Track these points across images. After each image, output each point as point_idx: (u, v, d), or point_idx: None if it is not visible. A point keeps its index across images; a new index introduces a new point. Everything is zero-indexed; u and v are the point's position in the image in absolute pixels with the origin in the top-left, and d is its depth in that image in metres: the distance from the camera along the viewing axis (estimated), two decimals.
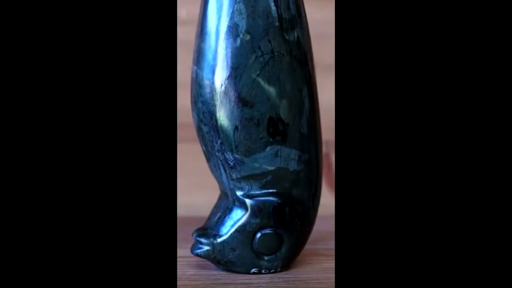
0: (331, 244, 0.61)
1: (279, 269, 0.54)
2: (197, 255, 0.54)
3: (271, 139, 0.53)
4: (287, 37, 0.53)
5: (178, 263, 0.56)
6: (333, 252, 0.59)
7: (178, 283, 0.52)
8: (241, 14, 0.53)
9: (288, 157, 0.54)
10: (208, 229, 0.55)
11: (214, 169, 0.55)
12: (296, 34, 0.53)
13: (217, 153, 0.54)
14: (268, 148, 0.53)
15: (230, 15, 0.53)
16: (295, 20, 0.54)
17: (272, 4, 0.53)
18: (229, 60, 0.53)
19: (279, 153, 0.53)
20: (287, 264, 0.55)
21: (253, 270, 0.54)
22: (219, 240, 0.54)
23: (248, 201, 0.54)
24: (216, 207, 0.56)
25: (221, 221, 0.55)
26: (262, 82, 0.53)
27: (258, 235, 0.54)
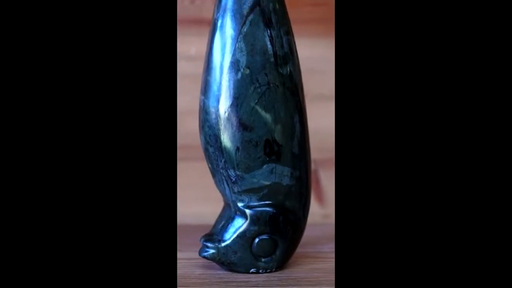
0: (319, 248, 0.62)
1: (274, 269, 0.55)
2: (204, 257, 0.55)
3: (267, 158, 0.54)
4: (281, 71, 0.54)
5: (188, 264, 0.58)
6: (320, 255, 0.60)
7: (188, 281, 0.54)
8: (241, 51, 0.54)
9: (282, 174, 0.55)
10: (213, 235, 0.56)
11: (218, 183, 0.56)
12: (288, 69, 0.54)
13: (221, 170, 0.55)
14: (264, 166, 0.54)
15: (232, 52, 0.54)
16: (287, 56, 0.55)
17: (268, 43, 0.54)
18: (232, 91, 0.54)
19: (274, 170, 0.54)
20: (281, 265, 0.56)
21: (252, 270, 0.55)
22: (223, 244, 0.55)
23: (247, 211, 0.55)
24: (220, 216, 0.57)
25: (224, 228, 0.56)
26: (259, 110, 0.54)
27: (256, 240, 0.55)
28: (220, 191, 0.56)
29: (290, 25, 0.55)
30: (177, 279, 0.53)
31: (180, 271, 0.56)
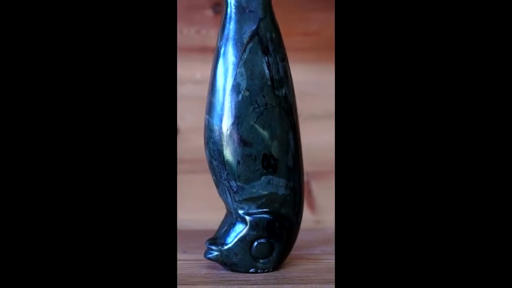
0: (311, 250, 0.62)
1: (271, 270, 0.56)
2: (209, 258, 0.55)
3: (265, 171, 0.54)
4: (277, 93, 0.54)
5: (194, 264, 0.57)
6: (312, 257, 0.60)
7: (194, 280, 0.54)
8: (242, 76, 0.54)
9: (278, 185, 0.55)
10: (217, 239, 0.56)
11: (221, 193, 0.56)
12: (284, 91, 0.55)
13: (224, 181, 0.55)
14: (262, 178, 0.54)
15: (234, 77, 0.54)
16: (283, 80, 0.55)
17: (266, 68, 0.54)
18: (233, 110, 0.54)
19: (271, 181, 0.54)
20: (277, 265, 0.56)
21: (251, 270, 0.55)
22: (225, 247, 0.55)
23: (247, 218, 0.55)
24: (223, 222, 0.57)
25: (227, 233, 0.56)
26: (258, 128, 0.54)
27: (255, 243, 0.55)
28: (223, 200, 0.56)
29: (285, 52, 0.55)
30: (185, 278, 0.54)
31: (187, 271, 0.56)
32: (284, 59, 0.55)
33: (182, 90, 0.70)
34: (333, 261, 0.57)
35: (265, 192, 0.55)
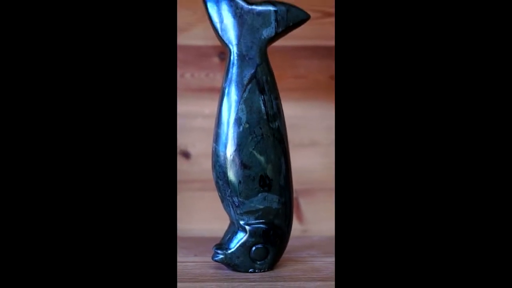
0: (299, 254, 0.61)
1: (266, 270, 0.55)
2: (216, 260, 0.55)
3: (262, 189, 0.54)
4: (272, 126, 0.54)
5: (203, 265, 0.57)
6: (300, 259, 0.59)
7: (203, 278, 0.53)
8: (243, 111, 0.54)
9: (272, 200, 0.54)
10: (222, 244, 0.56)
11: (226, 207, 0.56)
12: (277, 124, 0.55)
13: (228, 198, 0.55)
14: (259, 194, 0.54)
15: (236, 112, 0.54)
16: (276, 115, 0.55)
17: (262, 105, 0.54)
18: (235, 139, 0.54)
19: (266, 197, 0.54)
20: (271, 266, 0.56)
21: (250, 270, 0.55)
22: (229, 251, 0.55)
23: (247, 227, 0.55)
24: (227, 231, 0.57)
25: (230, 239, 0.56)
26: (256, 153, 0.54)
27: (253, 248, 0.55)
28: (227, 213, 0.56)
29: (278, 92, 0.55)
30: (195, 277, 0.53)
31: (198, 271, 0.56)
32: (277, 98, 0.55)
33: (193, 123, 0.71)
34: (317, 262, 0.58)
35: (262, 206, 0.55)
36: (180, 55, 0.70)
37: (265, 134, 0.54)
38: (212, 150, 0.55)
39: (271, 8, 0.54)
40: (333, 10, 0.69)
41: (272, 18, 0.54)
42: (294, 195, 0.61)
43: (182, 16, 0.69)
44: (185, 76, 0.71)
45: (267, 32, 0.54)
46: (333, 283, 0.50)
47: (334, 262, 0.56)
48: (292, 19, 0.54)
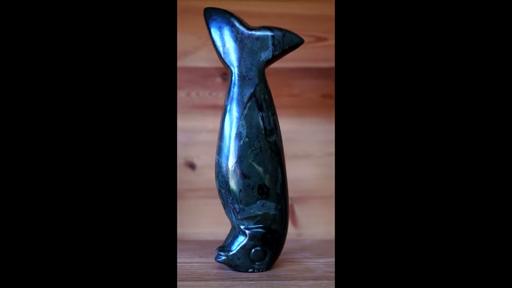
0: (294, 255, 0.61)
1: (264, 270, 0.55)
2: (218, 261, 0.55)
3: (260, 197, 0.54)
4: (269, 140, 0.54)
5: (207, 266, 0.57)
6: (295, 260, 0.59)
7: (207, 277, 0.53)
8: (243, 126, 0.54)
9: (269, 207, 0.54)
10: (225, 247, 0.56)
11: (228, 213, 0.56)
12: (274, 138, 0.55)
13: (229, 205, 0.55)
14: (258, 202, 0.54)
15: (237, 127, 0.54)
16: (273, 130, 0.55)
17: (261, 121, 0.54)
18: (236, 152, 0.54)
19: (264, 204, 0.54)
20: (269, 267, 0.56)
21: (250, 270, 0.55)
22: (231, 253, 0.55)
23: (247, 231, 0.55)
24: (229, 234, 0.57)
25: (231, 242, 0.56)
26: (255, 165, 0.54)
27: (253, 250, 0.55)
28: (229, 218, 0.56)
29: (275, 109, 0.55)
30: (200, 276, 0.53)
31: (202, 270, 0.56)
32: (274, 114, 0.55)
33: (198, 137, 0.71)
34: (310, 263, 0.58)
35: (260, 213, 0.54)
36: (186, 76, 0.71)
37: (263, 147, 0.54)
38: (215, 162, 0.56)
39: (269, 33, 0.55)
40: (325, 35, 0.70)
41: (270, 42, 0.55)
42: (290, 202, 0.64)
43: (188, 40, 0.70)
44: (191, 95, 0.71)
45: (265, 55, 0.55)
46: (325, 281, 0.51)
47: (325, 263, 0.57)
48: (288, 43, 0.55)
